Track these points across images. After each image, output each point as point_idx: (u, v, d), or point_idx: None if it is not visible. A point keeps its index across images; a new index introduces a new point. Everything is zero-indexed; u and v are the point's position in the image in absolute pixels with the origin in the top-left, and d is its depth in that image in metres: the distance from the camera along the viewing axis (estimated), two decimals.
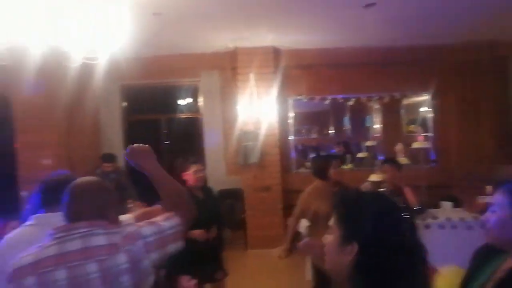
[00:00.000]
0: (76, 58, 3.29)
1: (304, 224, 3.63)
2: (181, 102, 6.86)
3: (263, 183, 5.99)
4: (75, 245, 1.39)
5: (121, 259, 1.40)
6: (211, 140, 6.26)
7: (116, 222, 1.53)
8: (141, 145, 1.73)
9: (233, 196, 6.04)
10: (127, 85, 6.34)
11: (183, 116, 6.83)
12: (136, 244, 1.45)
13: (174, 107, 6.83)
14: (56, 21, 2.91)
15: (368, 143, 6.84)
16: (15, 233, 1.90)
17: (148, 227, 1.52)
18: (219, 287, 3.37)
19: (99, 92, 5.78)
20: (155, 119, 6.78)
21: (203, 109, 6.39)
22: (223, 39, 5.58)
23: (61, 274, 1.35)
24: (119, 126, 6.33)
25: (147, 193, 1.75)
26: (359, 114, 6.84)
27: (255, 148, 5.88)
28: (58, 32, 3.00)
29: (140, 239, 1.46)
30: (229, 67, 6.15)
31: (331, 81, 6.27)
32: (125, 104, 6.46)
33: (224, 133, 6.26)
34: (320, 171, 3.42)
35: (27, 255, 1.42)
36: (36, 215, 1.90)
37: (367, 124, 6.92)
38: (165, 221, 1.56)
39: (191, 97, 6.72)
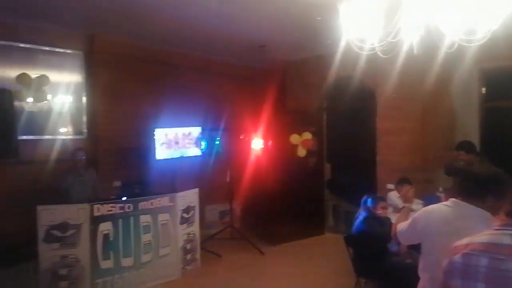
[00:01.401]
0: (449, 41, 3.12)
1: None
2: None
3: None
4: (506, 239, 1.42)
5: None
6: None
7: None
8: None
9: None
10: (487, 68, 5.72)
11: None
12: None
13: None
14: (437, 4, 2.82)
15: None
16: (434, 206, 2.12)
17: None
18: None
19: (457, 76, 5.50)
20: None
21: None
22: None
23: (482, 261, 1.41)
24: (475, 113, 5.81)
25: None
26: None
27: None
28: (437, 15, 2.90)
29: None
30: None
31: None
32: (483, 89, 5.86)
33: None
34: None
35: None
36: (455, 199, 2.01)
37: None
38: None
39: None
